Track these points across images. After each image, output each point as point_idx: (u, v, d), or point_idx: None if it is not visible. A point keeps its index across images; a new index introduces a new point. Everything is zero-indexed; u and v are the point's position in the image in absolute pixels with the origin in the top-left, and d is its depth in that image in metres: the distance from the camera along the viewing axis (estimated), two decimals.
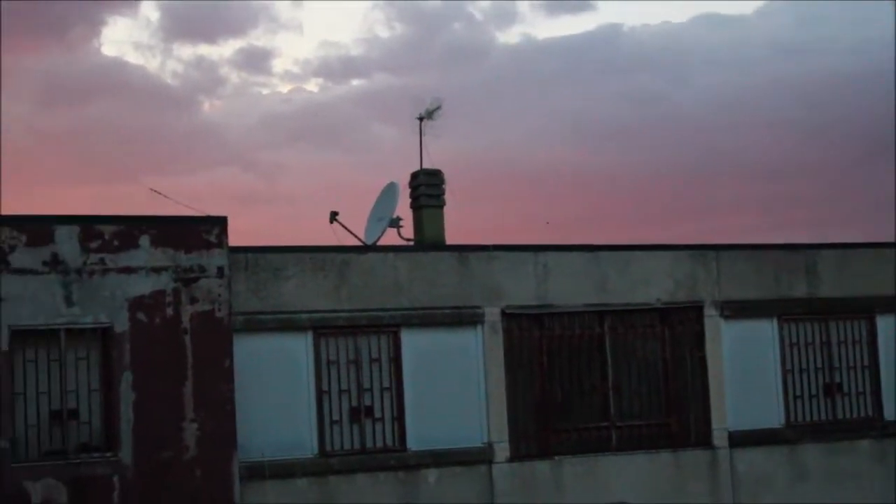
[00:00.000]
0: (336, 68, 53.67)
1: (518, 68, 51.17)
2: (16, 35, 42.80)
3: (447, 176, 20.65)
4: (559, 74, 51.83)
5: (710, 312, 20.62)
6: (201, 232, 17.71)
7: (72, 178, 43.56)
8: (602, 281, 20.06)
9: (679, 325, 20.57)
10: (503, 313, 19.47)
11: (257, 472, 17.87)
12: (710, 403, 20.48)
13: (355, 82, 55.01)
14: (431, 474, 18.84)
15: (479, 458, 19.15)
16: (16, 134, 39.81)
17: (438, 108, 20.91)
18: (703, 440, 20.46)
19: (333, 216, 20.57)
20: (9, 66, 44.58)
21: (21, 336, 16.74)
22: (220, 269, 17.69)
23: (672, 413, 20.39)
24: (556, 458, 19.60)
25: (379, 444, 18.86)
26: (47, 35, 45.41)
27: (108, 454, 17.00)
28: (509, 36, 58.32)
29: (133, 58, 51.32)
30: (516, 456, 19.40)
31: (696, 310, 20.62)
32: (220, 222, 17.85)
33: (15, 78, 44.48)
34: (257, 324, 18.15)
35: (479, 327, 19.35)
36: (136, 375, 17.12)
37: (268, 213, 46.18)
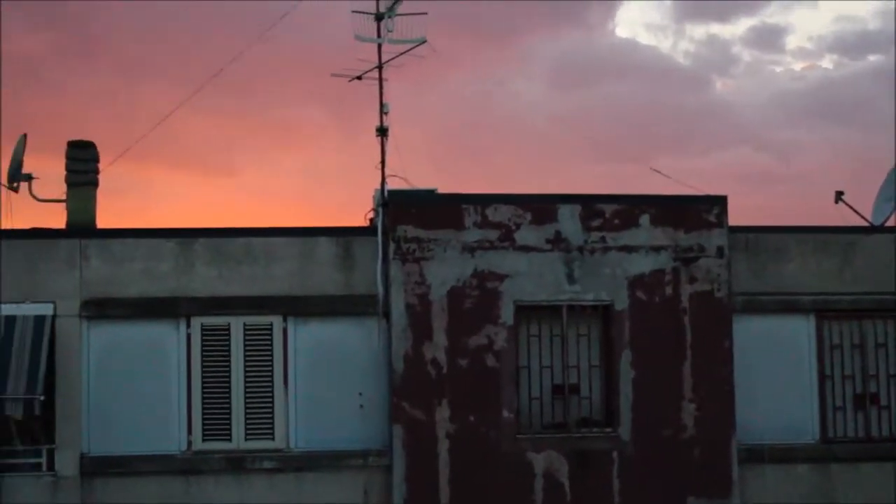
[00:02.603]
0: (851, 43, 51.87)
1: None
2: (533, 16, 44.20)
3: None
4: None
5: None
6: (701, 211, 17.64)
7: (581, 158, 44.55)
8: None
9: None
10: None
11: (756, 455, 17.62)
12: None
13: (872, 58, 52.95)
14: None
15: None
16: (530, 115, 41.11)
17: None
18: None
19: (839, 196, 19.90)
20: (525, 48, 46.08)
21: (525, 311, 17.31)
22: (720, 249, 17.56)
23: None
24: None
25: (885, 432, 18.12)
26: (565, 17, 46.58)
27: (608, 429, 17.30)
28: None
29: (645, 38, 51.79)
30: None
31: None
32: (720, 202, 17.72)
33: (530, 60, 45.97)
34: (757, 305, 17.87)
35: None
36: (636, 353, 17.30)
37: (776, 193, 45.34)
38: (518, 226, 17.32)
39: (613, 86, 47.17)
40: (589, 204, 17.48)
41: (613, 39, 50.04)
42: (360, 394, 17.12)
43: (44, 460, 16.59)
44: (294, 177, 41.69)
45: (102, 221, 18.19)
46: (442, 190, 17.69)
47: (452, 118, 41.67)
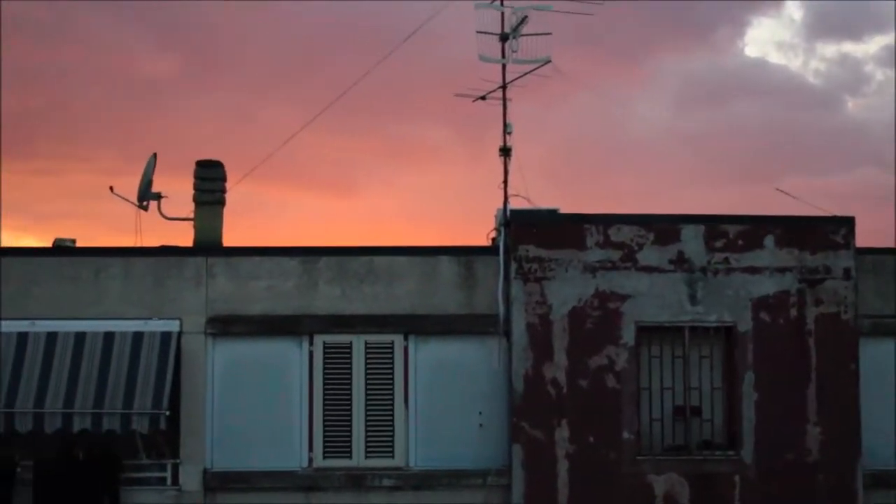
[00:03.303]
0: None
1: None
2: (659, 36, 43.92)
3: None
4: None
5: None
6: (828, 232, 17.38)
7: (706, 179, 44.11)
8: None
9: None
10: None
11: (882, 480, 17.28)
12: None
13: None
14: None
15: None
16: (655, 135, 40.85)
17: None
18: None
19: None
20: (651, 68, 45.80)
21: (647, 332, 17.20)
22: (847, 271, 17.28)
23: None
24: None
25: None
26: (692, 36, 46.22)
27: (730, 452, 17.09)
28: None
29: (775, 57, 51.16)
30: None
31: None
32: (848, 223, 17.44)
33: (656, 80, 45.67)
34: (884, 328, 17.54)
35: None
36: (759, 375, 17.08)
37: None
38: (640, 246, 17.21)
39: (741, 105, 46.64)
40: (713, 224, 17.31)
41: (742, 59, 49.49)
42: (480, 413, 17.15)
43: (168, 474, 16.87)
44: (417, 196, 41.93)
45: (228, 239, 18.51)
46: (564, 210, 17.66)
47: (576, 138, 41.60)
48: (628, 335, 17.09)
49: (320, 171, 41.12)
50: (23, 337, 16.69)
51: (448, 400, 17.15)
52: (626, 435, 16.95)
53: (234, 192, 18.79)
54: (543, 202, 17.89)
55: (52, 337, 16.70)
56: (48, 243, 18.33)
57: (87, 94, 40.54)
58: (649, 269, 17.20)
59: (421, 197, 42.07)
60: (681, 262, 17.23)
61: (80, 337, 16.72)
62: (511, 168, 18.22)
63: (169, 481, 16.85)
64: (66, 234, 18.56)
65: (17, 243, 27.02)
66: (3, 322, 16.69)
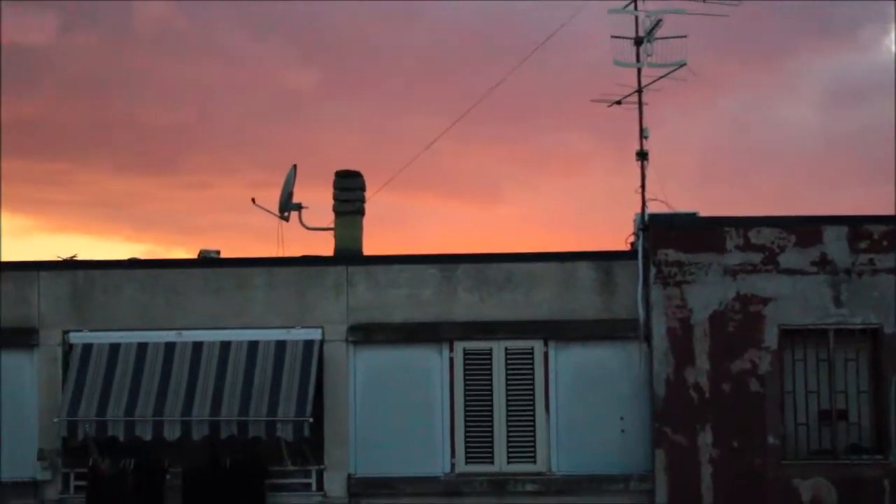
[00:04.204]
0: None
1: None
2: (800, 36, 43.24)
3: None
4: None
5: None
6: None
7: (851, 180, 43.26)
8: None
9: None
10: None
11: None
12: None
13: None
14: None
15: None
16: (797, 137, 40.21)
17: None
18: None
19: None
20: (792, 69, 45.08)
21: (790, 335, 16.96)
22: None
23: None
24: None
25: None
26: (836, 37, 45.40)
27: (879, 457, 16.77)
28: None
29: None
30: None
31: None
32: None
33: (798, 81, 44.94)
34: None
35: None
36: None
37: None
38: (782, 248, 16.99)
39: (887, 104, 45.69)
40: (856, 225, 17.01)
41: (888, 57, 48.47)
42: (622, 418, 17.08)
43: (313, 481, 17.11)
44: (556, 202, 41.86)
45: (368, 248, 18.73)
46: (703, 214, 17.52)
47: (715, 141, 41.12)
48: (771, 338, 16.87)
49: (462, 179, 41.27)
50: (170, 347, 17.09)
51: (589, 405, 17.12)
52: (771, 440, 16.72)
53: (374, 202, 19.03)
54: (682, 206, 17.80)
55: (198, 346, 17.07)
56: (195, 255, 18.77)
57: (230, 107, 41.26)
58: (791, 272, 16.95)
59: (561, 203, 41.98)
60: (824, 263, 16.95)
61: (226, 346, 17.06)
62: (648, 172, 18.14)
63: (314, 487, 17.08)
64: (211, 246, 19.00)
65: (166, 255, 27.68)
66: (151, 333, 17.12)
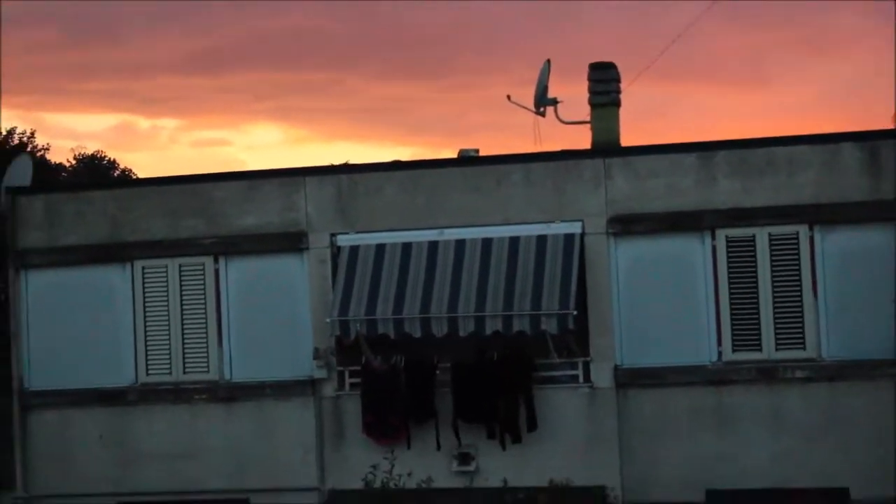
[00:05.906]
0: None
1: None
2: None
3: None
4: None
5: None
6: None
7: None
8: None
9: None
10: None
11: None
12: None
13: None
14: None
15: None
16: None
17: None
18: None
19: None
20: None
21: None
22: None
23: None
24: None
25: None
26: None
27: None
28: None
29: None
30: None
31: None
32: None
33: None
34: None
35: None
36: None
37: None
38: None
39: None
40: None
41: None
42: (894, 301, 16.57)
43: (580, 372, 17.25)
44: (822, 84, 40.59)
45: (626, 139, 18.62)
46: None
47: None
48: None
49: (722, 64, 40.45)
50: (433, 245, 17.41)
51: (858, 289, 16.65)
52: None
53: (630, 93, 18.86)
54: None
55: (460, 244, 17.34)
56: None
57: (498, 7, 41.38)
58: None
59: (827, 85, 40.69)
60: None
61: (487, 242, 17.28)
62: None
63: (580, 379, 17.23)
64: (472, 146, 19.19)
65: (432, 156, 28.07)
66: (414, 232, 17.47)
